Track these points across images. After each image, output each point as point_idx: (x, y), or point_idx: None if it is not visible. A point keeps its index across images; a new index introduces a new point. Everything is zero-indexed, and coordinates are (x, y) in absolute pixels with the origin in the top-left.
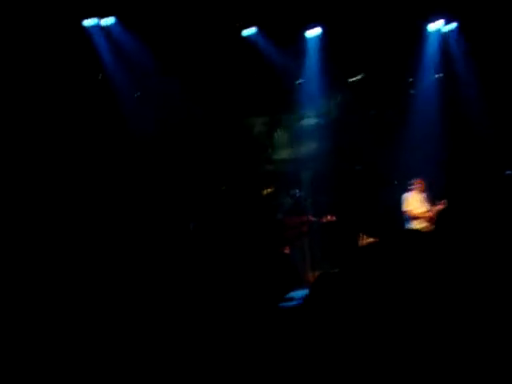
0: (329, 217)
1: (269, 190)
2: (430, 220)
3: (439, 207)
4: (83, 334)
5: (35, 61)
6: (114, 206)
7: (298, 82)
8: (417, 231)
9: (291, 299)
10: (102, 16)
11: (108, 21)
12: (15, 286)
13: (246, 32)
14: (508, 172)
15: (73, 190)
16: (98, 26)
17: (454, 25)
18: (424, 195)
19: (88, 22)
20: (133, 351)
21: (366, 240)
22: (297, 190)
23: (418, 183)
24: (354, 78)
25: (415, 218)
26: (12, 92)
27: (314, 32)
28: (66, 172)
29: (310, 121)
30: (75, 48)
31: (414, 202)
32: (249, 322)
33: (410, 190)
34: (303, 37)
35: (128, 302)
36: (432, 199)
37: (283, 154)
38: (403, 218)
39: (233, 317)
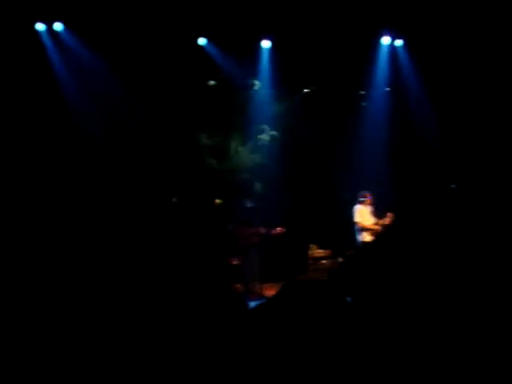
0: (279, 228)
1: (219, 200)
2: (376, 233)
3: (385, 221)
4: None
5: None
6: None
7: (251, 89)
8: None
9: None
10: (51, 21)
11: (58, 26)
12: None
13: (202, 41)
14: (453, 186)
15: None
16: (48, 31)
17: (400, 41)
18: (372, 208)
19: (39, 27)
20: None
21: (317, 251)
22: (248, 201)
23: (365, 196)
24: (306, 90)
25: (365, 230)
26: None
27: (266, 43)
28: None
29: (262, 131)
30: (27, 50)
31: (364, 215)
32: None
33: (360, 202)
34: (257, 47)
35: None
36: (379, 213)
37: (236, 164)
38: (354, 229)
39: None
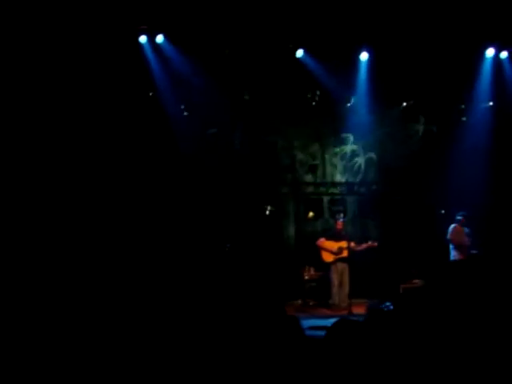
0: (370, 242)
1: (312, 213)
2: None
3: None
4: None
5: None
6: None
7: (348, 104)
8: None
9: (322, 328)
10: (153, 33)
11: (159, 38)
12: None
13: (300, 53)
14: None
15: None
16: (150, 43)
17: (505, 54)
18: (465, 228)
19: (142, 39)
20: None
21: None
22: (341, 215)
23: (462, 216)
24: (404, 104)
25: (457, 248)
26: (65, 102)
27: (364, 55)
28: (114, 186)
29: (356, 146)
30: (129, 63)
31: (459, 234)
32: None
33: (457, 221)
34: (354, 59)
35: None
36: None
37: (330, 177)
38: (449, 247)
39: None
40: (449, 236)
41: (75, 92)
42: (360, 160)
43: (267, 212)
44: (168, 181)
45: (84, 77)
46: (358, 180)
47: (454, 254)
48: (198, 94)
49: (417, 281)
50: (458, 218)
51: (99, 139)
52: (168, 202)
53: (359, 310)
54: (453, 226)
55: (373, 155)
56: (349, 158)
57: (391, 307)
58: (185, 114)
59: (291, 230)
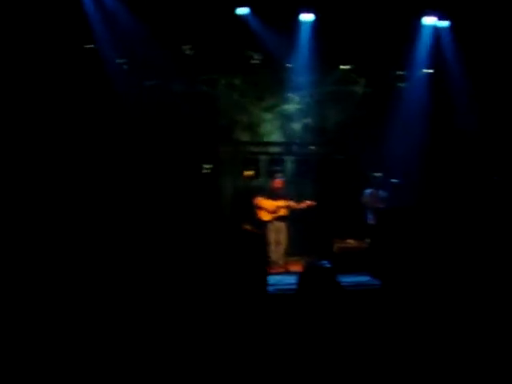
0: (308, 202)
1: (250, 172)
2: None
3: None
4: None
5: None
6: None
7: (289, 65)
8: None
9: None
10: None
11: None
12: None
13: (240, 10)
14: (496, 177)
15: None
16: None
17: (446, 23)
18: (380, 192)
19: None
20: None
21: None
22: (279, 174)
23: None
24: (344, 67)
25: (372, 212)
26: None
27: (307, 17)
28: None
29: (296, 106)
30: (67, 14)
31: (373, 198)
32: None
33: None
34: (297, 20)
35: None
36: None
37: (268, 136)
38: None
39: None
40: (364, 200)
41: (8, 44)
42: (296, 126)
43: (205, 170)
44: (105, 135)
45: (19, 28)
46: (296, 141)
47: (369, 218)
48: (137, 46)
49: (351, 240)
50: (379, 181)
51: (34, 93)
52: (103, 157)
53: (296, 267)
54: (369, 190)
55: (309, 121)
56: (289, 117)
57: (327, 265)
58: (124, 67)
59: (229, 189)
